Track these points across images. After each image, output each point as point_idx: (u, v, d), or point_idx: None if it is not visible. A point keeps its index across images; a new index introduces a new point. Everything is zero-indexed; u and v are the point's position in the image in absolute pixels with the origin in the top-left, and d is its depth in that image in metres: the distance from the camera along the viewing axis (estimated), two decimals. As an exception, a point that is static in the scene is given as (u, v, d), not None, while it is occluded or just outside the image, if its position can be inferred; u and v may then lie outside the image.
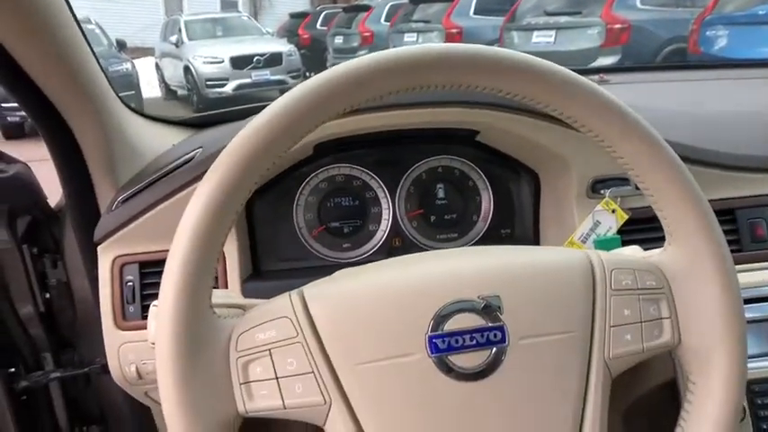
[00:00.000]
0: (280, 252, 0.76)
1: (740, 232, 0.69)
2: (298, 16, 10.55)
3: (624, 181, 0.67)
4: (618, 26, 4.83)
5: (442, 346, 0.39)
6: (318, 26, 9.71)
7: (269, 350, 0.39)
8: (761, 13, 3.71)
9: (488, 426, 0.39)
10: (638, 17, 4.92)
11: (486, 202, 0.78)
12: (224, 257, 0.67)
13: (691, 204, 0.41)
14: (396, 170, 0.78)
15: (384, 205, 0.78)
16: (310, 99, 0.37)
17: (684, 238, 0.42)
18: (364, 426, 0.38)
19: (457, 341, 0.39)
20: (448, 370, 0.39)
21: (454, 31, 6.39)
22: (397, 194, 0.77)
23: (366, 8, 8.71)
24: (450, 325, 0.39)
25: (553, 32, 5.17)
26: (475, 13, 6.72)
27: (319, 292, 0.41)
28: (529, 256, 0.44)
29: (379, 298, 0.40)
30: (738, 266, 0.70)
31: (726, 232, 0.73)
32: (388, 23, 7.81)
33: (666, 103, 0.90)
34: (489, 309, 0.40)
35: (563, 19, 5.36)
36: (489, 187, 0.78)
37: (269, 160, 0.38)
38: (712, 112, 0.84)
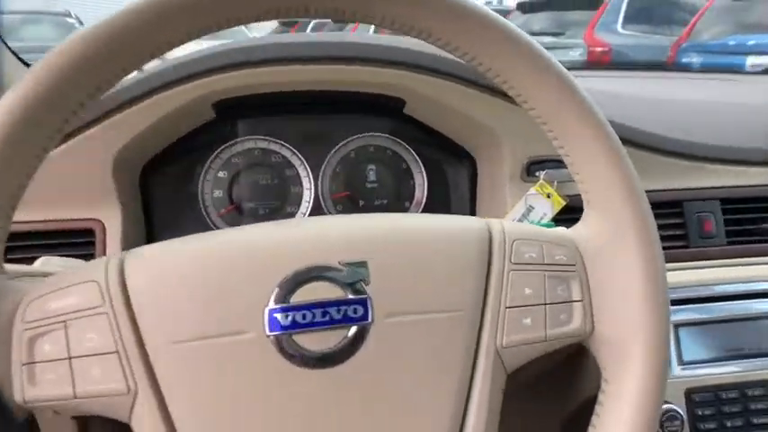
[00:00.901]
0: (180, 231, 0.67)
1: (687, 226, 0.63)
2: (288, 23, 10.53)
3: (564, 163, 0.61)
4: (599, 49, 4.92)
5: (285, 322, 0.31)
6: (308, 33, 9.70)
7: (65, 322, 0.30)
8: (731, 43, 3.81)
9: (340, 425, 0.31)
10: (619, 41, 5.03)
11: (420, 187, 0.71)
12: (104, 229, 0.58)
13: (614, 169, 0.35)
14: (321, 146, 0.70)
15: (306, 185, 0.70)
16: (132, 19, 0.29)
17: (604, 210, 0.35)
18: (178, 423, 0.30)
19: (304, 317, 0.31)
20: (290, 353, 0.31)
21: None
22: (321, 173, 0.70)
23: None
24: (298, 297, 0.31)
25: (536, 52, 5.23)
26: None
27: (144, 253, 0.33)
28: (415, 222, 0.37)
29: (215, 263, 0.32)
30: (684, 263, 0.65)
31: (672, 226, 0.67)
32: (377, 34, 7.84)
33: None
34: (351, 277, 0.32)
35: (546, 39, 5.46)
36: (424, 170, 0.71)
37: (58, 108, 0.30)
38: (667, 99, 0.78)
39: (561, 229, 0.39)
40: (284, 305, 0.31)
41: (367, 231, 0.34)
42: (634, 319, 0.34)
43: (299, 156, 0.70)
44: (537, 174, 0.61)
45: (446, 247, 0.34)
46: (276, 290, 0.31)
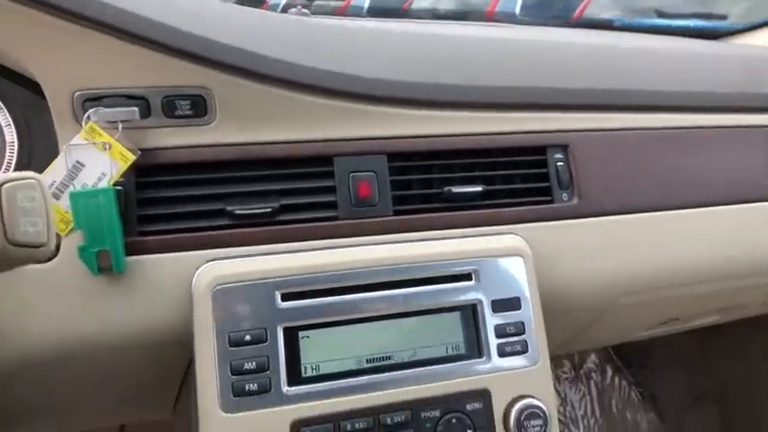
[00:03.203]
0: None
1: (338, 191, 0.46)
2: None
3: (136, 100, 0.41)
4: (497, 31, 4.96)
5: None
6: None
7: None
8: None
9: None
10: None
11: (11, 147, 0.50)
12: None
13: None
14: None
15: None
16: None
17: None
18: None
19: None
20: None
21: (345, 27, 6.27)
22: None
23: (263, 1, 8.32)
24: None
25: (437, 34, 5.18)
26: (368, 13, 6.72)
27: None
28: None
29: None
30: (332, 240, 0.48)
31: (321, 190, 0.49)
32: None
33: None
34: None
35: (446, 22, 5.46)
36: (13, 123, 0.49)
37: None
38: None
39: None
40: None
41: None
42: None
43: None
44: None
45: None
46: None
